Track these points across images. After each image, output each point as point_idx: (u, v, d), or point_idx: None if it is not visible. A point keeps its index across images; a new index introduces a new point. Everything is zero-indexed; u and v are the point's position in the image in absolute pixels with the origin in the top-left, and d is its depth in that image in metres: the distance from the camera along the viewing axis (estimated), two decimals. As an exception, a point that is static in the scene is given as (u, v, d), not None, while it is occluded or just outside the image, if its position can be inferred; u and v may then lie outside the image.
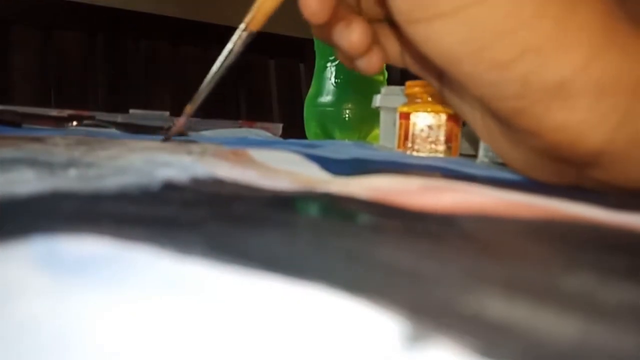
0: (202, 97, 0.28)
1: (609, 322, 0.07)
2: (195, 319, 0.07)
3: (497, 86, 0.19)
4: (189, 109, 0.29)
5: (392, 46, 0.26)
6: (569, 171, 0.21)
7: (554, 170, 0.22)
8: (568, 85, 0.18)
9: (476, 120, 0.24)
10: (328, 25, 0.23)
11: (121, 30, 0.98)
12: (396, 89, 0.46)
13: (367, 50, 0.24)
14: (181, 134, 0.44)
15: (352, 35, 0.23)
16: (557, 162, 0.21)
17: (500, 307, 0.08)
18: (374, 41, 0.24)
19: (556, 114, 0.18)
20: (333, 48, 0.26)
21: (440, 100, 0.38)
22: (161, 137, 0.35)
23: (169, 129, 0.42)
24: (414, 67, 0.27)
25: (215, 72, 0.27)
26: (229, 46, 0.26)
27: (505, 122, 0.21)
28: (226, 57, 0.27)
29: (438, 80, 0.26)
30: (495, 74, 0.19)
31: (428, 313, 0.07)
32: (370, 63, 0.25)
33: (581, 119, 0.18)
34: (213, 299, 0.07)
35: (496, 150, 0.25)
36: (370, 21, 0.24)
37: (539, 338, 0.07)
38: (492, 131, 0.23)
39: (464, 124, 0.39)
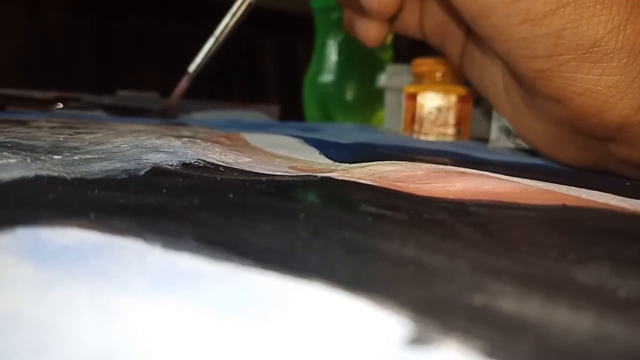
0: (208, 55, 0.28)
1: (626, 316, 0.07)
2: (184, 313, 0.07)
3: (528, 43, 0.19)
4: (191, 70, 0.29)
5: (411, 14, 0.26)
6: (592, 148, 0.22)
7: (576, 146, 0.22)
8: (602, 45, 0.18)
9: (498, 89, 0.24)
10: None
11: (108, 6, 0.97)
12: (402, 67, 0.45)
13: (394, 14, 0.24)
14: (170, 115, 0.44)
15: None
16: (580, 136, 0.21)
17: (511, 305, 0.08)
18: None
19: (585, 77, 0.19)
20: (342, 10, 0.26)
21: (452, 78, 0.37)
22: (151, 119, 0.35)
23: (157, 111, 0.41)
24: (433, 37, 0.27)
25: (223, 29, 0.27)
26: (238, 1, 0.26)
27: (530, 87, 0.21)
28: (235, 12, 0.26)
29: (460, 45, 0.26)
30: (527, 28, 0.19)
31: (434, 312, 0.07)
32: (376, 29, 0.25)
33: (610, 83, 0.19)
34: (201, 292, 0.07)
35: (517, 126, 0.25)
36: None
37: (551, 337, 0.07)
38: (514, 101, 0.23)
39: (476, 104, 0.39)
